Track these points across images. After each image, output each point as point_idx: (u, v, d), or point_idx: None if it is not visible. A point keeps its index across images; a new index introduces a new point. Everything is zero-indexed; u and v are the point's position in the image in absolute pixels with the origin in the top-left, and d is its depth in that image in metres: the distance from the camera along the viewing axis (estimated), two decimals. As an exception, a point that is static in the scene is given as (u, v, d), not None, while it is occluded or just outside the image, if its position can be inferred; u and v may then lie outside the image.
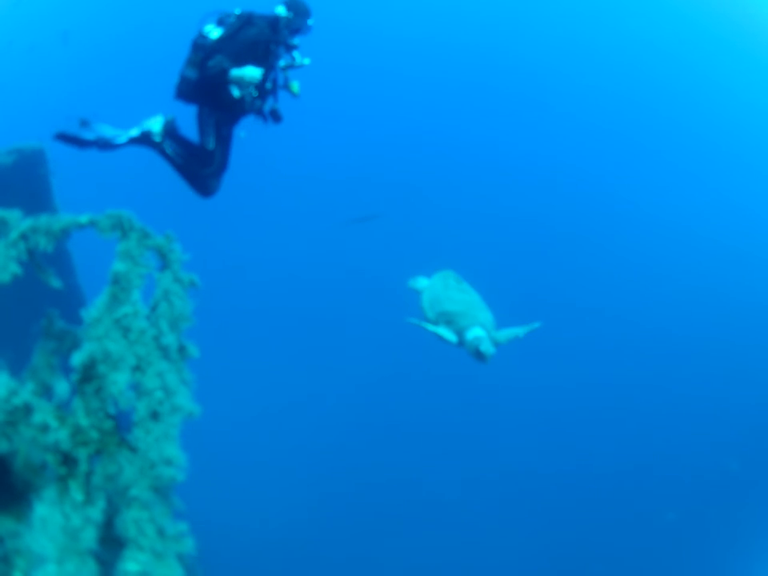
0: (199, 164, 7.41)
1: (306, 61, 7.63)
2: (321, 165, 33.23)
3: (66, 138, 7.12)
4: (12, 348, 7.84)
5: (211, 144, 7.37)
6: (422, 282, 8.38)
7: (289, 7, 7.48)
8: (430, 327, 7.21)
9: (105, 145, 7.22)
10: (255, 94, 7.34)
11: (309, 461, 21.61)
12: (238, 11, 7.45)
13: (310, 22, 7.57)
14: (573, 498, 21.23)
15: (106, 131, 7.36)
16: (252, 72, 7.10)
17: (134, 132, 7.32)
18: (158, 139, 7.29)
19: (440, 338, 7.16)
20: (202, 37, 7.33)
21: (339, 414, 23.36)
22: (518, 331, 7.20)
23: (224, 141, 7.48)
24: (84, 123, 7.36)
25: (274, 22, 7.42)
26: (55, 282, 3.97)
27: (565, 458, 22.47)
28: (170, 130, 7.44)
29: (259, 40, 7.26)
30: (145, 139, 7.33)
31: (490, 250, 29.62)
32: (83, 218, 3.55)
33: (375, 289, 27.16)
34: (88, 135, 7.15)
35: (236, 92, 7.17)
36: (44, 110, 30.17)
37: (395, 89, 37.70)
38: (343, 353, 26.23)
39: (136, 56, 34.80)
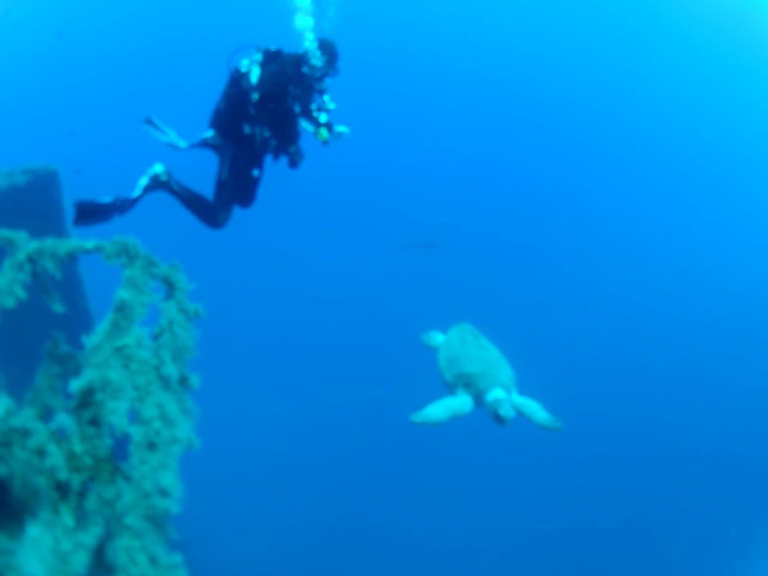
0: (211, 194, 7.50)
1: (332, 105, 7.63)
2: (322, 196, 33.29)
3: (85, 208, 7.21)
4: (18, 367, 7.85)
5: (224, 174, 7.44)
6: (437, 338, 8.03)
7: (322, 51, 7.39)
8: (440, 417, 6.66)
9: (124, 204, 7.30)
10: (267, 134, 7.36)
11: (309, 491, 21.54)
12: (272, 47, 7.50)
13: (338, 64, 7.47)
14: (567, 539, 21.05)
15: (170, 134, 7.54)
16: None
17: (144, 181, 7.41)
18: (164, 178, 7.39)
19: (456, 416, 6.75)
20: (237, 71, 7.43)
21: (339, 445, 23.25)
22: (539, 414, 6.79)
23: (239, 175, 7.50)
24: (149, 121, 7.54)
25: (298, 61, 7.37)
26: (58, 307, 3.99)
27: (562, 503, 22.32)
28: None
29: (278, 78, 7.25)
30: (155, 183, 7.40)
31: (503, 285, 29.69)
32: (89, 244, 3.57)
33: (381, 320, 27.29)
34: (105, 198, 7.24)
35: (246, 129, 7.22)
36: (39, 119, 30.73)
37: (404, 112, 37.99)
38: (347, 378, 26.16)
39: (133, 63, 35.31)
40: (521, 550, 20.73)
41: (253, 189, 7.67)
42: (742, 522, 21.38)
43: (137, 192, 7.34)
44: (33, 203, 9.21)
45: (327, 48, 7.39)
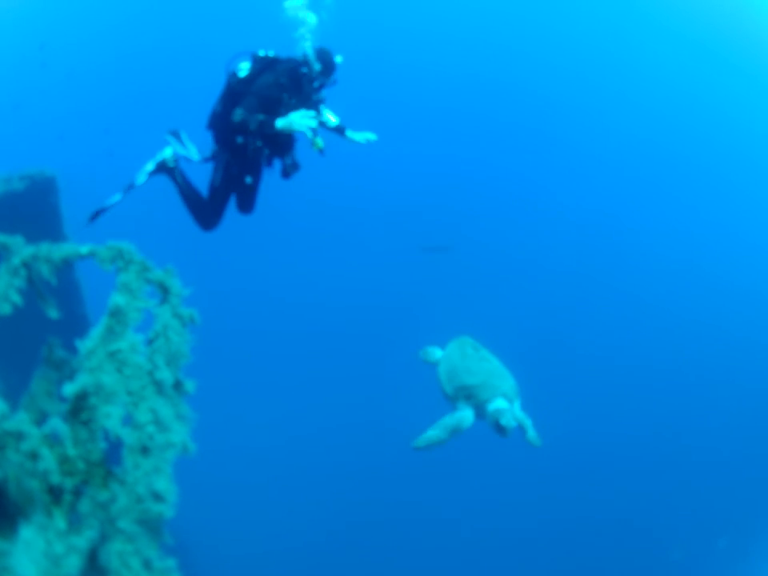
0: (205, 196, 7.50)
1: (326, 118, 7.56)
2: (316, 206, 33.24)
3: (99, 213, 7.29)
4: (16, 374, 7.86)
5: (218, 180, 7.42)
6: (435, 353, 7.88)
7: (319, 59, 7.22)
8: (441, 438, 6.60)
9: (129, 189, 7.35)
10: (259, 144, 7.26)
11: (308, 497, 21.49)
12: (270, 53, 7.40)
13: (335, 74, 7.33)
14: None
15: (190, 150, 7.56)
16: (299, 119, 6.93)
17: (150, 166, 7.43)
18: (171, 165, 7.40)
19: (457, 432, 6.68)
20: (233, 75, 7.34)
21: (338, 450, 23.21)
22: (530, 430, 6.80)
23: (232, 181, 7.47)
24: (174, 133, 7.56)
25: (294, 70, 7.22)
26: (53, 313, 4.00)
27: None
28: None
29: (271, 89, 7.10)
30: (160, 168, 7.43)
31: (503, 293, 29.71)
32: (84, 249, 3.59)
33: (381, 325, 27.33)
34: (114, 198, 7.29)
35: (239, 139, 7.15)
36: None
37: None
38: (347, 382, 26.12)
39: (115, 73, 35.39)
40: (520, 555, 20.73)
41: (249, 195, 7.65)
42: (732, 533, 21.35)
43: (142, 178, 7.37)
44: (30, 209, 9.22)
45: (324, 57, 7.25)
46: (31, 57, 34.23)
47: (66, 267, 3.79)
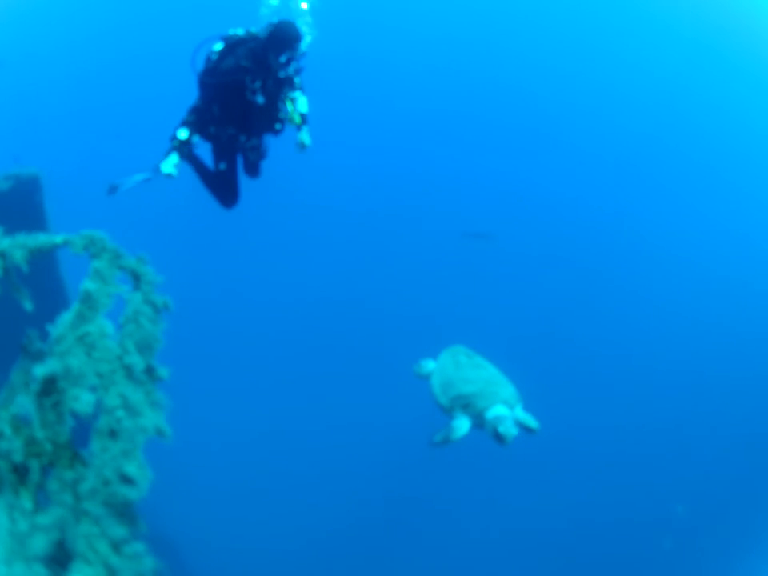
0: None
1: (298, 94, 7.30)
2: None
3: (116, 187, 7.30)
4: (2, 368, 7.84)
5: (214, 163, 7.44)
6: (428, 366, 7.51)
7: (275, 34, 6.78)
8: (437, 442, 6.45)
9: (146, 181, 7.37)
10: (232, 131, 7.20)
11: (308, 498, 21.44)
12: (239, 31, 7.06)
13: (302, 46, 6.89)
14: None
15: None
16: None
17: (161, 160, 7.34)
18: (185, 149, 7.12)
19: (448, 441, 6.47)
20: (208, 59, 7.06)
21: (339, 448, 23.16)
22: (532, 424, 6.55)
23: (221, 160, 7.46)
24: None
25: (255, 50, 6.86)
26: (28, 304, 4.03)
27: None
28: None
29: (233, 74, 6.85)
30: (172, 150, 7.16)
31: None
32: (58, 238, 3.62)
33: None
34: (137, 177, 7.30)
35: (211, 129, 7.08)
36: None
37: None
38: (346, 379, 26.05)
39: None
40: (514, 547, 20.76)
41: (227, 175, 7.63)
42: (689, 502, 21.46)
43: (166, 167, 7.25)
44: (15, 208, 9.22)
45: (281, 31, 6.80)
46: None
47: (46, 259, 3.83)
